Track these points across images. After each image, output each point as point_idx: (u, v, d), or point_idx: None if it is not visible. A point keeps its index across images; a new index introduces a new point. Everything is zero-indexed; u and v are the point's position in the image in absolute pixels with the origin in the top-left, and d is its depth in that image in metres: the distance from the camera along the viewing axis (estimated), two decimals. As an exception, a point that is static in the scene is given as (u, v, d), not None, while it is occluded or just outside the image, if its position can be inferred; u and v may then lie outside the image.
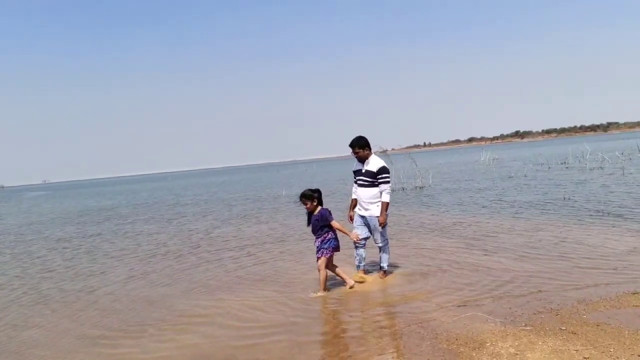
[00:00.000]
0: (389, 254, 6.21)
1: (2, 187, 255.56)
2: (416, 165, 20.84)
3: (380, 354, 3.91)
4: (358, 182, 6.00)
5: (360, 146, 5.87)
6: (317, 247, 5.82)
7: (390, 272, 6.35)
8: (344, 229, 5.79)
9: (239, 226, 12.99)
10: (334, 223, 5.76)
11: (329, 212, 5.81)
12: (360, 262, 6.20)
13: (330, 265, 5.90)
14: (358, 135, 5.95)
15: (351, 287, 5.85)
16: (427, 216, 11.65)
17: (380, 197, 5.84)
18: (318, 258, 5.81)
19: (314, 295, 5.73)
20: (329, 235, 5.78)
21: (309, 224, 5.91)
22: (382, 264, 6.20)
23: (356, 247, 6.15)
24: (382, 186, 5.82)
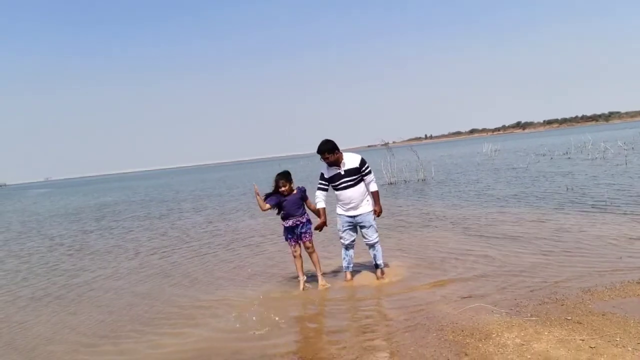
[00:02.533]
0: (382, 249, 6.01)
1: (5, 184, 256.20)
2: (418, 157, 20.80)
3: (387, 346, 3.93)
4: (340, 185, 5.61)
5: (330, 150, 5.51)
6: (300, 228, 5.72)
7: (390, 266, 6.34)
8: (316, 209, 5.73)
9: (235, 220, 13.03)
10: (310, 203, 5.78)
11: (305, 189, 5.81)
12: (349, 264, 6.01)
13: (300, 253, 5.84)
14: (324, 139, 5.57)
15: (304, 289, 5.77)
16: (430, 208, 11.64)
17: (368, 190, 5.73)
18: (306, 241, 5.75)
19: (323, 285, 5.78)
20: (306, 217, 5.78)
21: (279, 209, 5.72)
22: (378, 262, 5.93)
23: (346, 248, 5.93)
24: (370, 176, 5.69)
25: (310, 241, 5.81)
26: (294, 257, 5.85)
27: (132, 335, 4.98)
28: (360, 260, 6.54)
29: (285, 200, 5.67)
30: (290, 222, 5.72)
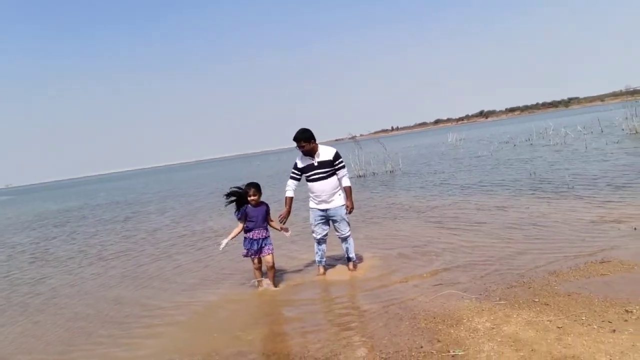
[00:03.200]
0: (353, 242, 6.04)
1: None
2: (385, 149, 20.95)
3: (362, 336, 3.95)
4: (312, 177, 5.61)
5: (306, 139, 5.50)
6: (263, 242, 5.60)
7: (361, 259, 6.37)
8: (277, 227, 5.73)
9: (204, 221, 12.87)
10: (272, 220, 5.74)
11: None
12: (322, 258, 5.98)
13: (260, 266, 5.75)
14: (301, 128, 5.58)
15: (259, 285, 5.70)
16: (398, 199, 11.74)
17: (341, 184, 5.73)
18: (268, 254, 5.64)
19: (268, 284, 5.69)
20: (268, 232, 5.69)
21: (243, 216, 5.56)
22: (350, 255, 5.96)
23: (318, 242, 5.89)
24: (342, 171, 5.70)
25: (272, 256, 5.69)
26: (254, 267, 5.72)
27: (103, 341, 4.84)
28: (333, 253, 6.54)
29: (253, 210, 5.57)
30: (254, 234, 5.57)
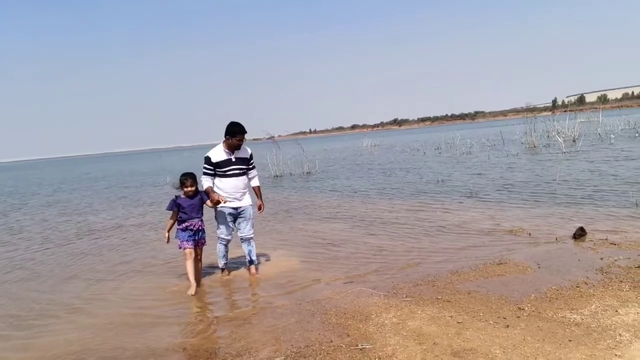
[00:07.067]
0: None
1: None
2: (303, 151, 21.15)
3: (274, 334, 3.95)
4: (229, 172, 5.45)
5: (244, 132, 5.44)
6: (201, 233, 5.40)
7: (273, 257, 6.39)
8: (211, 204, 5.40)
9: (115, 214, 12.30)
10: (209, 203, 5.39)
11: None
12: (226, 261, 5.82)
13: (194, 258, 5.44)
14: (234, 122, 5.43)
15: (195, 293, 5.23)
16: (314, 200, 11.91)
17: (251, 184, 5.70)
18: (201, 247, 5.47)
19: (191, 291, 5.25)
20: (203, 224, 5.48)
21: (177, 207, 5.27)
22: (253, 257, 5.77)
23: (225, 244, 5.70)
24: (254, 171, 5.71)
25: (202, 249, 5.53)
26: (187, 260, 5.32)
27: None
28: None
29: (189, 202, 5.28)
30: (194, 224, 5.29)
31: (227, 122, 5.43)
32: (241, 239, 5.71)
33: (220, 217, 5.58)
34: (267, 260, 6.29)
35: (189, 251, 5.30)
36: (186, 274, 5.38)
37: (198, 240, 5.40)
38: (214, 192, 5.38)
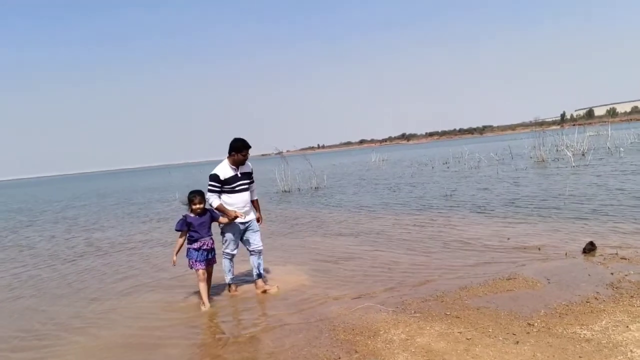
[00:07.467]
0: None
1: None
2: (311, 166, 21.21)
3: (282, 347, 3.95)
4: (237, 188, 5.46)
5: (249, 148, 5.51)
6: (212, 252, 5.36)
7: (281, 272, 6.41)
8: (225, 220, 5.40)
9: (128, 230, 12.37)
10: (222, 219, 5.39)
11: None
12: (233, 275, 5.80)
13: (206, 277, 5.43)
14: (237, 138, 5.48)
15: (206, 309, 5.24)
16: (321, 215, 11.91)
17: (252, 197, 5.74)
18: (212, 265, 5.44)
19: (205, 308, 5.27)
20: (213, 242, 5.43)
21: (188, 226, 5.20)
22: (260, 271, 5.76)
23: (231, 259, 5.69)
24: (254, 185, 5.78)
25: (212, 267, 5.51)
26: (201, 281, 5.29)
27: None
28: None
29: (199, 220, 5.23)
30: (205, 244, 5.25)
31: (231, 138, 5.50)
32: (251, 252, 5.70)
33: (229, 232, 5.56)
34: (275, 276, 6.29)
35: (202, 272, 5.26)
36: (198, 292, 5.37)
37: (210, 259, 5.39)
38: (226, 209, 5.39)
